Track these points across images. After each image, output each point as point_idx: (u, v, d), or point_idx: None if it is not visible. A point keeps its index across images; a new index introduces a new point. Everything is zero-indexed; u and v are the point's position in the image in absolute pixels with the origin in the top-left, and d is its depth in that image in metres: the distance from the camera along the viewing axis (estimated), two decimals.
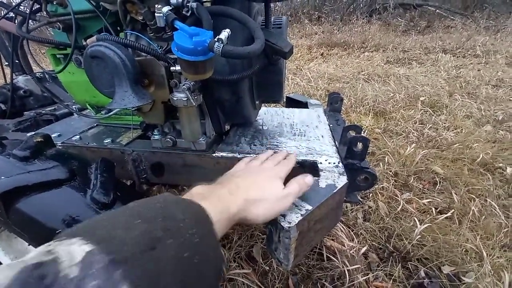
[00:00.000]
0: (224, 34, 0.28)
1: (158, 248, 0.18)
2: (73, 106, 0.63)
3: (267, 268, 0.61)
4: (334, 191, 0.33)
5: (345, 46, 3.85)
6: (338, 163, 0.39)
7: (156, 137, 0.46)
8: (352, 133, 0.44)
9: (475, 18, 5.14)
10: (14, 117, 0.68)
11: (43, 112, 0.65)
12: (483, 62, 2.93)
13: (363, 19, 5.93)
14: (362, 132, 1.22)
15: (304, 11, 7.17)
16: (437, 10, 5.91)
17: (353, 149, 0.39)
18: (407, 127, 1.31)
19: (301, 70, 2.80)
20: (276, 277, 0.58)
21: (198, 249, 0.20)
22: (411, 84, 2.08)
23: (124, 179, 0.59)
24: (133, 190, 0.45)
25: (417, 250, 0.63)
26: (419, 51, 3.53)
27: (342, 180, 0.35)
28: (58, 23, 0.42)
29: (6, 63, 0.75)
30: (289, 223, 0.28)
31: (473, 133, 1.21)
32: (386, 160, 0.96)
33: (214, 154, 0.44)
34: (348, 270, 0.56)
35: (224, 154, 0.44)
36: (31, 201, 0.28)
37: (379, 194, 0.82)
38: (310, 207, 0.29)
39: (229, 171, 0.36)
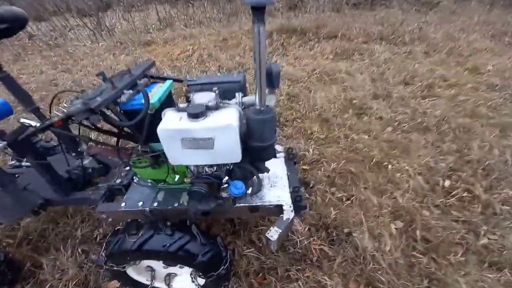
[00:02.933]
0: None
1: None
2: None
3: (260, 245, 1.18)
4: (289, 221, 0.86)
5: (302, 34, 4.18)
6: (290, 205, 0.92)
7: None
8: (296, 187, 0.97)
9: None
10: (83, 188, 1.05)
11: (113, 184, 1.03)
12: (408, 51, 3.57)
13: None
14: (311, 139, 1.73)
15: None
16: None
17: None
18: (339, 134, 1.91)
19: None
20: (266, 249, 1.15)
21: None
22: (349, 84, 2.65)
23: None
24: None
25: (332, 222, 1.25)
26: (362, 38, 4.03)
27: (291, 215, 0.88)
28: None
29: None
30: (272, 237, 0.81)
31: (378, 137, 1.87)
32: (324, 168, 1.56)
33: (236, 205, 0.93)
34: (300, 239, 1.15)
35: (241, 204, 0.93)
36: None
37: (317, 192, 1.42)
38: (280, 230, 0.82)
39: None
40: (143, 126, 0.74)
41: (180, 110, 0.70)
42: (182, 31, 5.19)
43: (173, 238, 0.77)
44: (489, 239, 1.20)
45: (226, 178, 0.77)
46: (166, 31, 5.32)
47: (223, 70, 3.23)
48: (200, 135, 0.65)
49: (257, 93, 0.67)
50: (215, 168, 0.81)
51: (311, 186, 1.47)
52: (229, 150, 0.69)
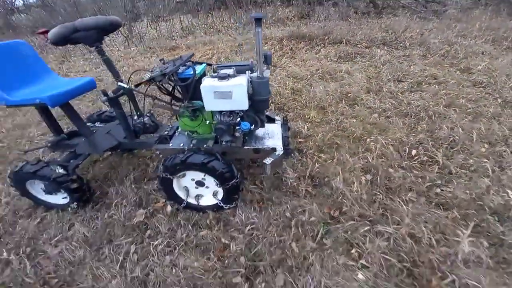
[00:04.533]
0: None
1: None
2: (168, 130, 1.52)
3: (262, 186, 1.61)
4: (279, 155, 1.29)
5: (309, 40, 4.64)
6: (281, 147, 1.35)
7: (224, 143, 1.39)
8: (286, 137, 1.41)
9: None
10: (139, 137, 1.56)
11: (162, 134, 1.52)
12: (407, 54, 3.91)
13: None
14: (308, 122, 2.17)
15: None
16: None
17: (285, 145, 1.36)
18: (332, 118, 2.32)
19: (274, 69, 3.63)
20: (267, 188, 1.59)
21: None
22: (347, 81, 3.05)
23: None
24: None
25: (316, 174, 1.66)
26: (365, 43, 4.41)
27: (281, 152, 1.30)
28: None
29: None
30: (267, 161, 1.24)
31: (364, 120, 2.25)
32: (314, 140, 1.98)
33: (244, 147, 1.38)
34: (290, 181, 1.58)
35: (247, 147, 1.38)
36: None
37: (308, 155, 1.84)
38: (273, 159, 1.25)
39: None
40: (189, 88, 1.23)
41: (213, 77, 1.18)
42: (202, 38, 5.85)
43: (205, 156, 1.23)
44: (441, 190, 1.55)
45: (238, 119, 1.23)
46: (188, 38, 6.03)
47: None
48: (224, 89, 1.12)
49: (258, 68, 1.14)
50: (231, 117, 1.28)
51: (304, 151, 1.89)
52: (241, 100, 1.15)
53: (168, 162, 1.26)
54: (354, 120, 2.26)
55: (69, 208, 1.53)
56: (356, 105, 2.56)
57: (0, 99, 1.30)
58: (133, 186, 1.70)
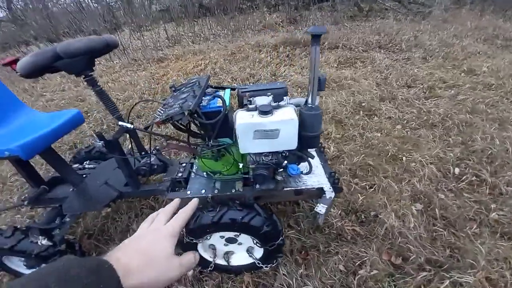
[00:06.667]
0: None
1: None
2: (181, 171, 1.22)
3: (299, 228, 1.34)
4: (331, 199, 1.04)
5: (305, 46, 4.48)
6: (330, 187, 1.10)
7: (257, 187, 1.11)
8: (332, 172, 1.15)
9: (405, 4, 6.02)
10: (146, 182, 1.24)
11: (176, 177, 1.22)
12: (406, 57, 3.83)
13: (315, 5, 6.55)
14: (330, 139, 1.94)
15: None
16: None
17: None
18: (354, 133, 2.11)
19: (275, 78, 3.41)
20: (305, 230, 1.32)
21: None
22: (356, 89, 2.89)
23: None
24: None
25: (359, 207, 1.43)
26: (362, 47, 4.31)
27: (332, 195, 1.06)
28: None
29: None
30: (321, 211, 0.98)
31: (390, 134, 2.07)
32: (345, 162, 1.74)
33: (284, 189, 1.11)
34: (334, 221, 1.32)
35: (288, 188, 1.11)
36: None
37: (342, 182, 1.60)
38: (326, 205, 1.00)
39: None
40: (216, 124, 0.94)
41: (249, 110, 0.91)
42: (191, 47, 5.53)
43: (243, 212, 0.94)
44: (498, 215, 1.37)
45: (285, 162, 0.96)
46: (175, 48, 5.67)
47: (236, 81, 3.49)
48: (269, 127, 0.85)
49: (310, 95, 0.88)
50: (269, 156, 1.00)
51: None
52: (290, 139, 0.88)
53: (194, 224, 0.96)
54: (379, 135, 2.06)
55: None
56: (374, 116, 2.37)
57: None
58: None
